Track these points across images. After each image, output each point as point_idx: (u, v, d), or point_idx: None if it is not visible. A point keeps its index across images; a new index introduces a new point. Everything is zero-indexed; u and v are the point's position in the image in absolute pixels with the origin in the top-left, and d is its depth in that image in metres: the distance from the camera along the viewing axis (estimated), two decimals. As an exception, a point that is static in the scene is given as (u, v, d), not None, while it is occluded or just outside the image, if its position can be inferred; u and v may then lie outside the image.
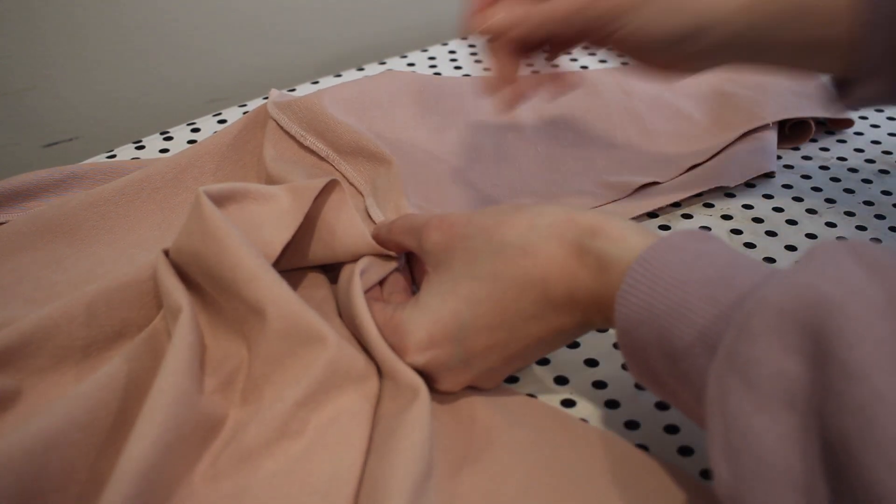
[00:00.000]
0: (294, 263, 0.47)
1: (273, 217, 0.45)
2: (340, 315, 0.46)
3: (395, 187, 0.51)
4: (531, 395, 0.44)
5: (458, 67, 0.75)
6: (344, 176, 0.54)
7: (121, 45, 0.73)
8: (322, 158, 0.54)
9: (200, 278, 0.43)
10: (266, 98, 0.60)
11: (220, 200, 0.44)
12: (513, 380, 0.45)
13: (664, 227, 0.57)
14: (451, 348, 0.40)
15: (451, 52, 0.77)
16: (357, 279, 0.44)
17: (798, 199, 0.60)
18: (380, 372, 0.42)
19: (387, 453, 0.36)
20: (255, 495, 0.36)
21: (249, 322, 0.41)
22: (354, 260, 0.46)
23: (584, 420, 0.43)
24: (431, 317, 0.40)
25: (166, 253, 0.44)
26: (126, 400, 0.39)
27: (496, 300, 0.38)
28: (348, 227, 0.46)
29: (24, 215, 0.51)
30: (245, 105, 0.68)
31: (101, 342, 0.43)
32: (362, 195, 0.52)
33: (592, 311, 0.38)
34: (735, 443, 0.30)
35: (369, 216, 0.51)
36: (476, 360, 0.40)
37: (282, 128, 0.56)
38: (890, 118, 0.70)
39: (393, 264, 0.47)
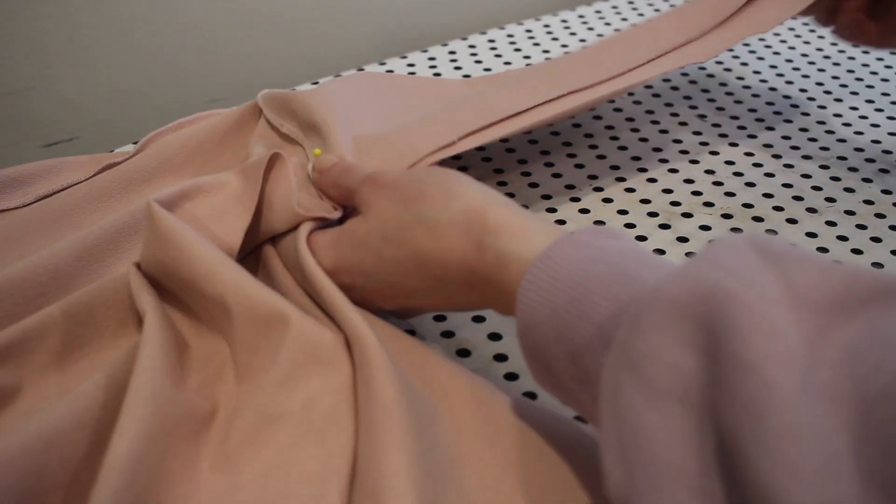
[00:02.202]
0: (252, 242, 0.47)
1: (230, 204, 0.46)
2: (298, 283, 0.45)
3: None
4: (531, 394, 0.44)
5: (458, 68, 0.75)
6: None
7: (121, 44, 0.73)
8: (295, 141, 0.54)
9: (172, 284, 0.44)
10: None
11: (172, 203, 0.45)
12: (512, 377, 0.45)
13: (664, 227, 0.57)
14: (354, 280, 0.42)
15: (451, 52, 0.77)
16: (303, 244, 0.44)
17: (798, 199, 0.60)
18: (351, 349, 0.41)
19: (371, 431, 0.36)
20: (251, 488, 0.36)
21: (219, 317, 0.42)
22: (293, 228, 0.46)
23: (582, 418, 0.43)
24: (342, 253, 0.42)
25: (139, 266, 0.45)
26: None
27: (398, 263, 0.40)
28: (284, 198, 0.46)
29: (32, 208, 0.52)
30: (245, 105, 0.68)
31: (100, 341, 0.44)
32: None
33: (493, 299, 0.38)
34: (627, 441, 0.28)
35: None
36: (375, 298, 0.42)
37: (269, 122, 0.56)
38: (890, 118, 0.70)
39: (336, 215, 0.46)
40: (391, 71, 0.74)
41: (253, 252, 0.48)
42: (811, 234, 0.56)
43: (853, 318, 0.27)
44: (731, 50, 0.80)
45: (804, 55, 0.80)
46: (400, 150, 0.51)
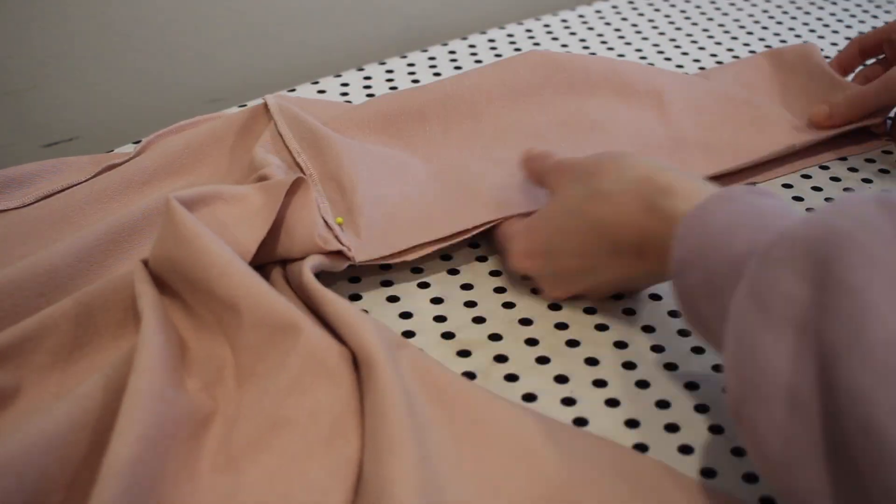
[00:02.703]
0: (262, 259, 0.48)
1: (246, 217, 0.46)
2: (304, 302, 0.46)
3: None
4: (531, 395, 0.44)
5: (458, 68, 0.75)
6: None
7: (121, 45, 0.73)
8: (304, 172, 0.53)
9: (178, 284, 0.44)
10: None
11: (191, 205, 0.45)
12: (512, 378, 0.45)
13: (664, 227, 0.57)
14: (543, 263, 0.48)
15: (451, 52, 0.77)
16: (307, 269, 0.45)
17: (798, 199, 0.60)
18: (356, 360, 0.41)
19: (374, 439, 0.36)
20: (253, 491, 0.36)
21: (226, 319, 0.42)
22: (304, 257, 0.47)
23: (583, 419, 0.43)
24: (532, 236, 0.48)
25: (145, 263, 0.45)
26: None
27: (581, 234, 0.45)
28: (306, 227, 0.47)
29: (32, 208, 0.52)
30: (245, 106, 0.68)
31: (100, 341, 0.44)
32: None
33: (660, 261, 0.42)
34: (743, 358, 0.33)
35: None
36: (565, 278, 0.48)
37: (281, 136, 0.56)
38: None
39: (343, 265, 0.48)
40: (391, 71, 0.74)
41: (259, 269, 0.48)
42: (811, 235, 0.56)
43: None
44: (731, 49, 0.80)
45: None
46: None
